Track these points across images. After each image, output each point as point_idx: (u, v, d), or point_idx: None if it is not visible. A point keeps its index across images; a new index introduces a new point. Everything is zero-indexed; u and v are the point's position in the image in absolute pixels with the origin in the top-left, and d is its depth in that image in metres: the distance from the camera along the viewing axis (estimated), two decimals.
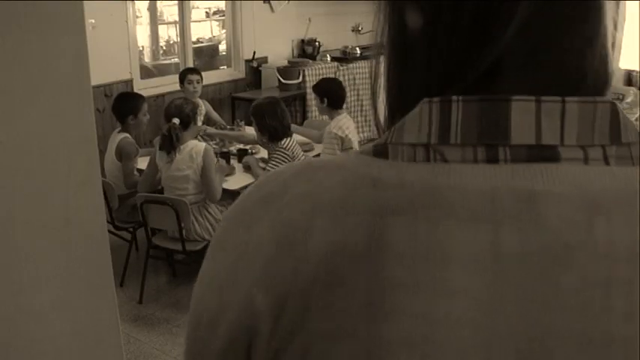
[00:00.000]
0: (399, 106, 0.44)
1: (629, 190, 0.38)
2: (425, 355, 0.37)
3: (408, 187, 0.39)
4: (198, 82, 4.40)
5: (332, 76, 5.66)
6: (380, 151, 0.42)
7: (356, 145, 3.88)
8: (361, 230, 0.39)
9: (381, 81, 0.48)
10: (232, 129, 4.43)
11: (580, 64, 0.41)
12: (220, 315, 0.43)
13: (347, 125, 3.94)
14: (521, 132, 0.39)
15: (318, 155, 3.90)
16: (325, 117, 4.30)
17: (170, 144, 3.33)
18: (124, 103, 3.79)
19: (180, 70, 4.75)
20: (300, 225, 0.40)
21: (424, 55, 0.43)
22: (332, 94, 4.08)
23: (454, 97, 0.40)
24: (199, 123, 3.97)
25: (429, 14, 0.42)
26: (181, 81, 4.42)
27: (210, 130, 4.23)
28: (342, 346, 0.38)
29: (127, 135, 3.68)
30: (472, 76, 0.40)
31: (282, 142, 3.48)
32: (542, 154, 0.39)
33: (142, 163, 3.72)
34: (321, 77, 5.24)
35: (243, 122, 4.42)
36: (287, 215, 0.41)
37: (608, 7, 0.42)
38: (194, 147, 3.35)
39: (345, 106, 4.17)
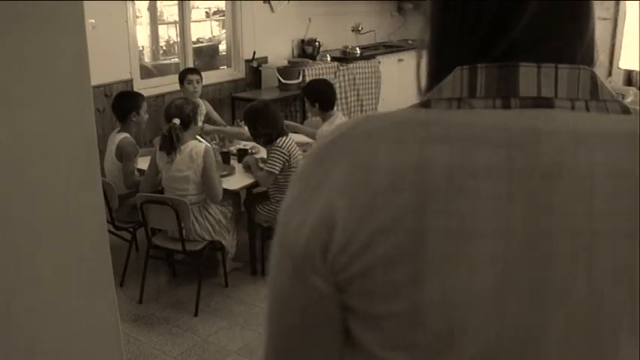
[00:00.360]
0: (436, 76, 0.60)
1: (603, 128, 0.54)
2: (458, 242, 0.53)
3: (445, 124, 0.55)
4: (198, 82, 4.39)
5: (332, 76, 5.64)
6: (425, 104, 0.59)
7: None
8: (412, 153, 0.54)
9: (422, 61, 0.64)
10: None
11: (570, 54, 0.57)
12: (306, 217, 0.58)
13: None
14: (526, 87, 0.55)
15: None
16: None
17: (170, 144, 3.32)
18: (124, 102, 3.78)
19: (180, 70, 4.74)
20: (367, 149, 0.56)
21: (455, 45, 0.59)
22: (323, 97, 4.02)
23: (479, 65, 0.57)
24: (200, 123, 3.97)
25: (459, 14, 0.58)
26: (181, 81, 4.41)
27: (209, 127, 4.22)
28: (395, 235, 0.54)
29: (127, 135, 3.68)
30: (490, 58, 0.56)
31: (278, 142, 3.52)
32: (542, 103, 0.55)
33: (142, 163, 3.71)
34: (321, 77, 5.22)
35: (243, 122, 4.41)
36: (357, 144, 0.57)
37: (596, 8, 0.58)
38: (194, 147, 3.34)
39: (345, 106, 4.12)
